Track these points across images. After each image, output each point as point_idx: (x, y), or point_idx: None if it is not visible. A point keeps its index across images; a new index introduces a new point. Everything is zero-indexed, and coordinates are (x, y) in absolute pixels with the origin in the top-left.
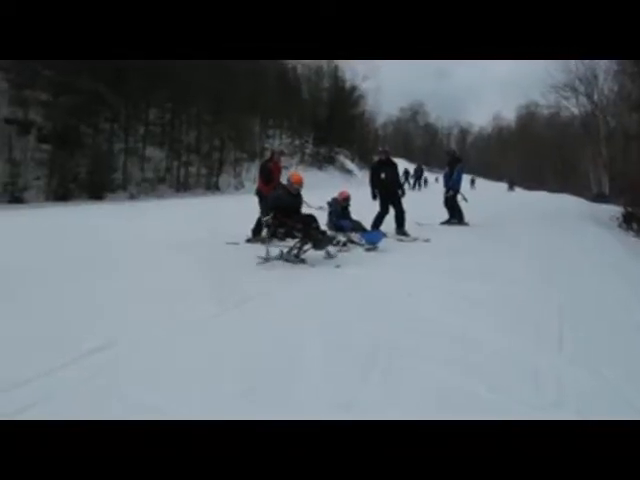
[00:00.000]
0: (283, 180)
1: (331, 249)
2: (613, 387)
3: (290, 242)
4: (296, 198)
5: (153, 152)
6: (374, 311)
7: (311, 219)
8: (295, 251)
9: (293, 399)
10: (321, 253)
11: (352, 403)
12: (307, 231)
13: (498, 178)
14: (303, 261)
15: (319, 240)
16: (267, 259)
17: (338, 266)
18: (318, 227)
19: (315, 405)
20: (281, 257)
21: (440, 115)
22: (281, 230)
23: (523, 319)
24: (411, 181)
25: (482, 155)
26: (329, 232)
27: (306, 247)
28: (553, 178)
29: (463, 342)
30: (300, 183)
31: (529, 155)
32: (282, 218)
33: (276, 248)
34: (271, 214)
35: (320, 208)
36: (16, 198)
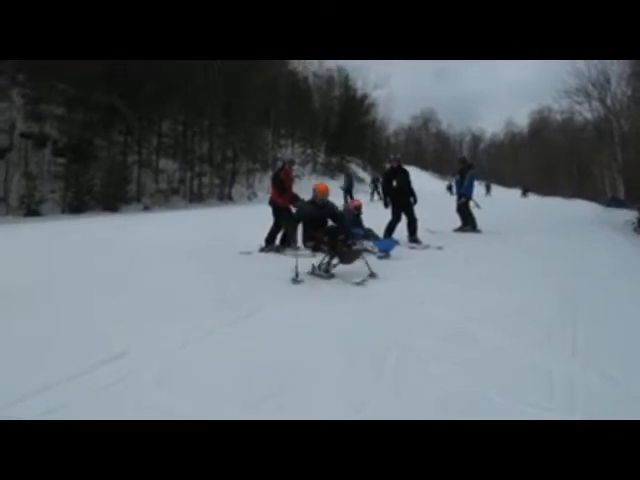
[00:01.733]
0: (296, 190)
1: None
2: (625, 390)
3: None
4: (322, 209)
5: (166, 164)
6: (386, 316)
7: (338, 230)
8: (324, 266)
9: (310, 403)
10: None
11: (366, 401)
12: (333, 244)
13: (511, 184)
14: (333, 276)
15: (344, 254)
16: (297, 278)
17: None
18: (346, 239)
19: (331, 403)
20: (313, 272)
21: (452, 122)
22: (310, 244)
23: (536, 324)
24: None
25: (495, 162)
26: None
27: (334, 262)
28: (567, 183)
29: (476, 346)
30: (325, 193)
31: (542, 161)
32: (310, 231)
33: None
34: (296, 226)
35: None
36: (33, 211)
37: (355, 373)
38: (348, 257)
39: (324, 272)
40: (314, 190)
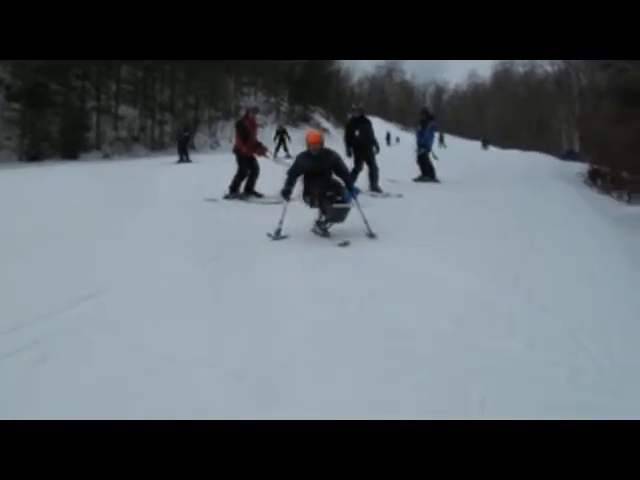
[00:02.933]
0: (259, 139)
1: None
2: (561, 322)
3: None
4: (317, 160)
5: (126, 111)
6: (347, 260)
7: (328, 186)
8: (323, 224)
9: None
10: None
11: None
12: (320, 201)
13: (473, 137)
14: (328, 235)
15: (330, 212)
16: (278, 235)
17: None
18: (333, 196)
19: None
20: (314, 230)
21: (416, 72)
22: (307, 198)
23: (485, 264)
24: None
25: (457, 114)
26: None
27: (323, 219)
28: (527, 136)
29: (431, 286)
30: (317, 141)
31: (504, 113)
32: (307, 185)
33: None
34: (291, 183)
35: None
36: None
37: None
38: (334, 216)
39: (322, 230)
40: (305, 141)
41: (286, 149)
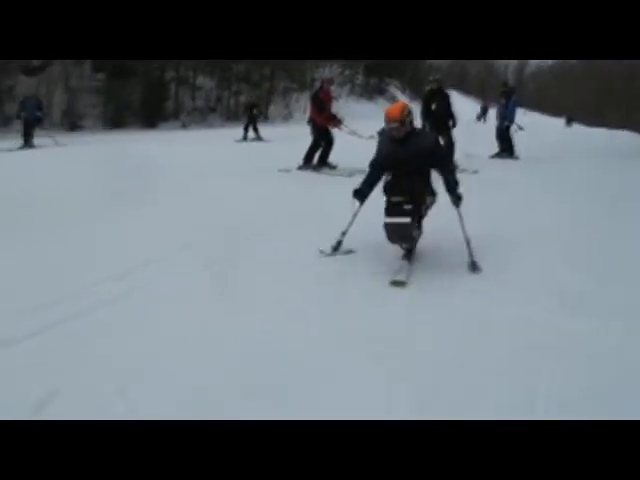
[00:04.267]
0: (334, 110)
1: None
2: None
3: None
4: (403, 145)
5: (204, 81)
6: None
7: (407, 187)
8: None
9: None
10: None
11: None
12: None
13: (557, 113)
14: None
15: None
16: (337, 249)
17: None
18: (400, 204)
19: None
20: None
21: None
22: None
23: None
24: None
25: (541, 88)
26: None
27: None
28: (616, 115)
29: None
30: (395, 119)
31: (592, 89)
32: (394, 183)
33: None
34: (372, 178)
35: (371, 137)
36: (75, 126)
37: None
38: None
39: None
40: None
41: (255, 129)
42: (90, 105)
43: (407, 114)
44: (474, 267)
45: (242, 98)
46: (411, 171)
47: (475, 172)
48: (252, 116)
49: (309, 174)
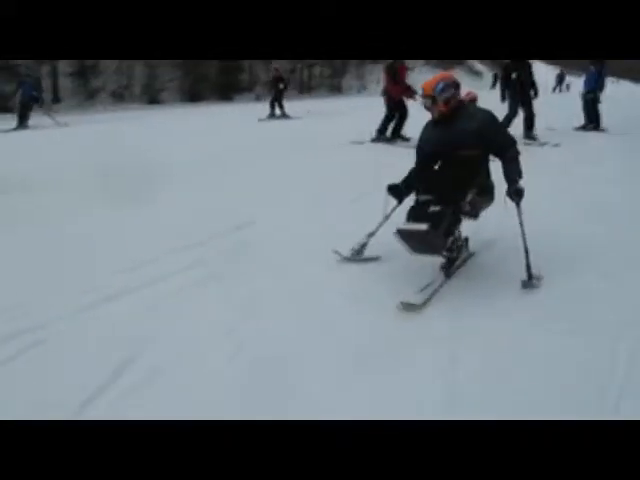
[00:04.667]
0: (409, 81)
1: None
2: None
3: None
4: (444, 128)
5: None
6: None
7: (444, 182)
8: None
9: None
10: None
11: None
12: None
13: None
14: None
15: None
16: (359, 252)
17: None
18: (426, 204)
19: None
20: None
21: None
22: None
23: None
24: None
25: None
26: None
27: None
28: None
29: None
30: (427, 92)
31: None
32: (425, 174)
33: None
34: (415, 171)
35: None
36: (154, 99)
37: None
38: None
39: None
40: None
41: (281, 105)
42: (168, 79)
43: (443, 89)
44: (530, 281)
45: (316, 70)
46: (454, 161)
47: (556, 145)
48: (279, 91)
49: (382, 146)
